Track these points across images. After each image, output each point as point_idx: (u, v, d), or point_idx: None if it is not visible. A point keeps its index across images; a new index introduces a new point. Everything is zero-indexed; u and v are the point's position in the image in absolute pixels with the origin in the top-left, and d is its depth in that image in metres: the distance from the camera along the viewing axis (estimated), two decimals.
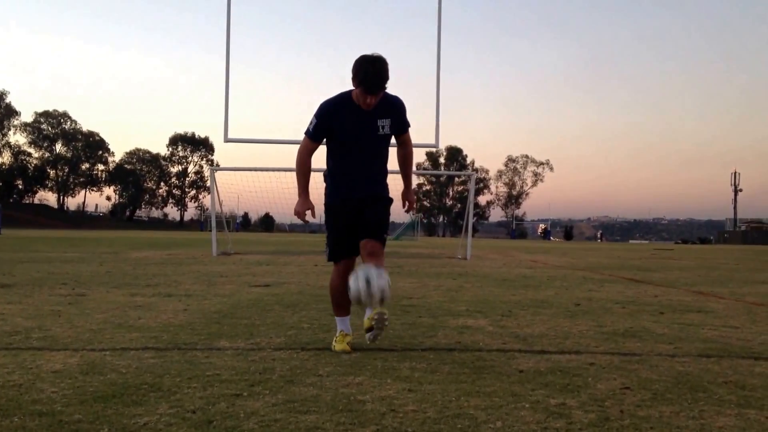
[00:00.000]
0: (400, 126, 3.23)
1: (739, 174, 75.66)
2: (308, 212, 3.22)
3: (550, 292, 6.31)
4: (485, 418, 2.05)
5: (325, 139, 3.21)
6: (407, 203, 3.45)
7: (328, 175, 3.29)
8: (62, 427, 1.92)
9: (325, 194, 3.29)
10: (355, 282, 2.91)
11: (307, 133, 3.16)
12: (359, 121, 3.09)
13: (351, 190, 3.19)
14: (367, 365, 2.80)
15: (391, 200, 3.30)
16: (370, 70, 2.94)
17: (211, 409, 2.11)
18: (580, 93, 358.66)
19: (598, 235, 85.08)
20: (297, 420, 2.01)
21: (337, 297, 3.27)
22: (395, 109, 3.18)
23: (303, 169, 3.22)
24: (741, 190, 74.68)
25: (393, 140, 3.31)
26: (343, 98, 3.11)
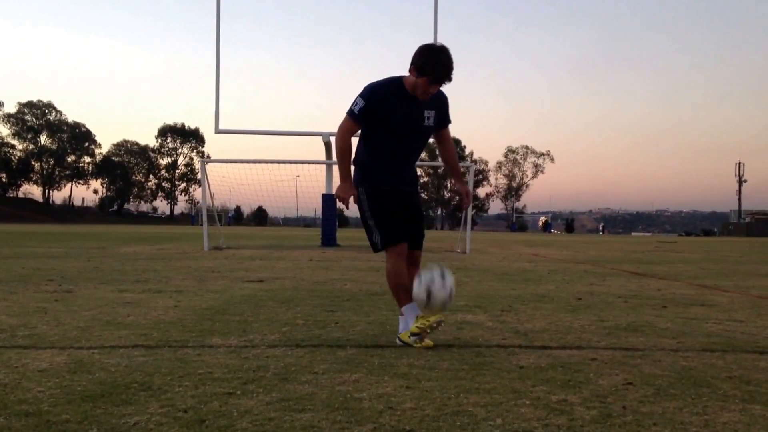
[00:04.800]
0: (444, 120, 3.16)
1: (744, 165, 75.83)
2: (351, 198, 3.05)
3: (551, 286, 6.26)
4: (485, 415, 2.01)
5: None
6: (465, 198, 3.37)
7: (367, 163, 3.12)
8: (49, 427, 1.87)
9: (364, 181, 3.11)
10: (418, 288, 2.92)
11: (350, 113, 3.02)
12: (410, 110, 3.00)
13: (400, 183, 3.10)
14: (364, 362, 2.75)
15: None
16: (442, 60, 2.88)
17: (204, 408, 2.06)
18: (582, 84, 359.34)
19: (600, 228, 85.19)
20: (292, 419, 1.96)
21: (402, 284, 3.08)
22: (441, 102, 3.12)
23: (346, 152, 3.08)
24: (746, 181, 74.85)
25: None
26: (394, 83, 3.01)
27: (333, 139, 3.22)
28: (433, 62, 2.87)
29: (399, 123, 3.01)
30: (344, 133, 3.07)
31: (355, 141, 3.19)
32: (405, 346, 3.06)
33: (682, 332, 3.62)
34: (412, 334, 3.04)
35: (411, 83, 2.96)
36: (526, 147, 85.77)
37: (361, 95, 3.00)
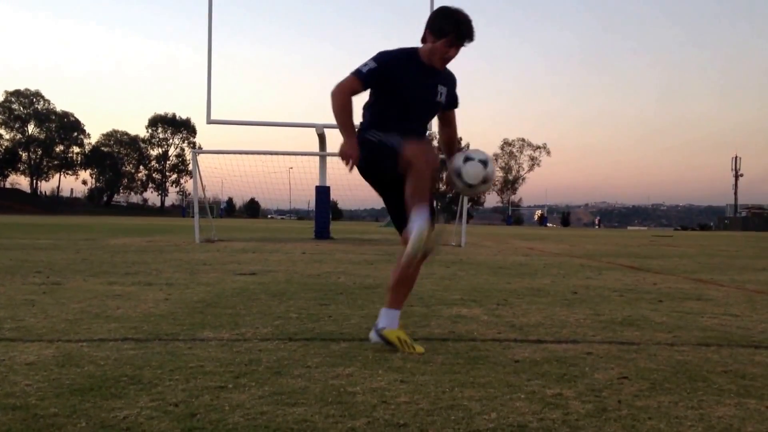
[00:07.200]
0: (453, 100, 2.99)
1: (740, 159, 76.00)
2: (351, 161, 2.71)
3: (547, 280, 6.26)
4: (480, 410, 1.99)
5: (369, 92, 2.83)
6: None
7: (371, 126, 2.83)
8: (37, 421, 1.84)
9: (370, 137, 2.78)
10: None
11: (357, 73, 2.72)
12: (422, 81, 2.80)
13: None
14: (358, 356, 2.73)
15: None
16: (462, 19, 2.70)
17: (195, 401, 2.03)
18: (579, 78, 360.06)
19: (596, 222, 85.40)
20: (284, 413, 1.93)
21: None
22: (452, 81, 2.96)
23: (347, 107, 2.72)
24: (742, 175, 75.11)
25: None
26: (408, 52, 2.82)
27: (331, 98, 2.73)
28: (455, 20, 2.70)
29: (412, 93, 2.81)
30: (344, 90, 2.73)
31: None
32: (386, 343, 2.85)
33: (677, 326, 3.61)
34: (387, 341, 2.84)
35: (427, 51, 2.78)
36: (523, 140, 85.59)
37: (373, 58, 2.78)
